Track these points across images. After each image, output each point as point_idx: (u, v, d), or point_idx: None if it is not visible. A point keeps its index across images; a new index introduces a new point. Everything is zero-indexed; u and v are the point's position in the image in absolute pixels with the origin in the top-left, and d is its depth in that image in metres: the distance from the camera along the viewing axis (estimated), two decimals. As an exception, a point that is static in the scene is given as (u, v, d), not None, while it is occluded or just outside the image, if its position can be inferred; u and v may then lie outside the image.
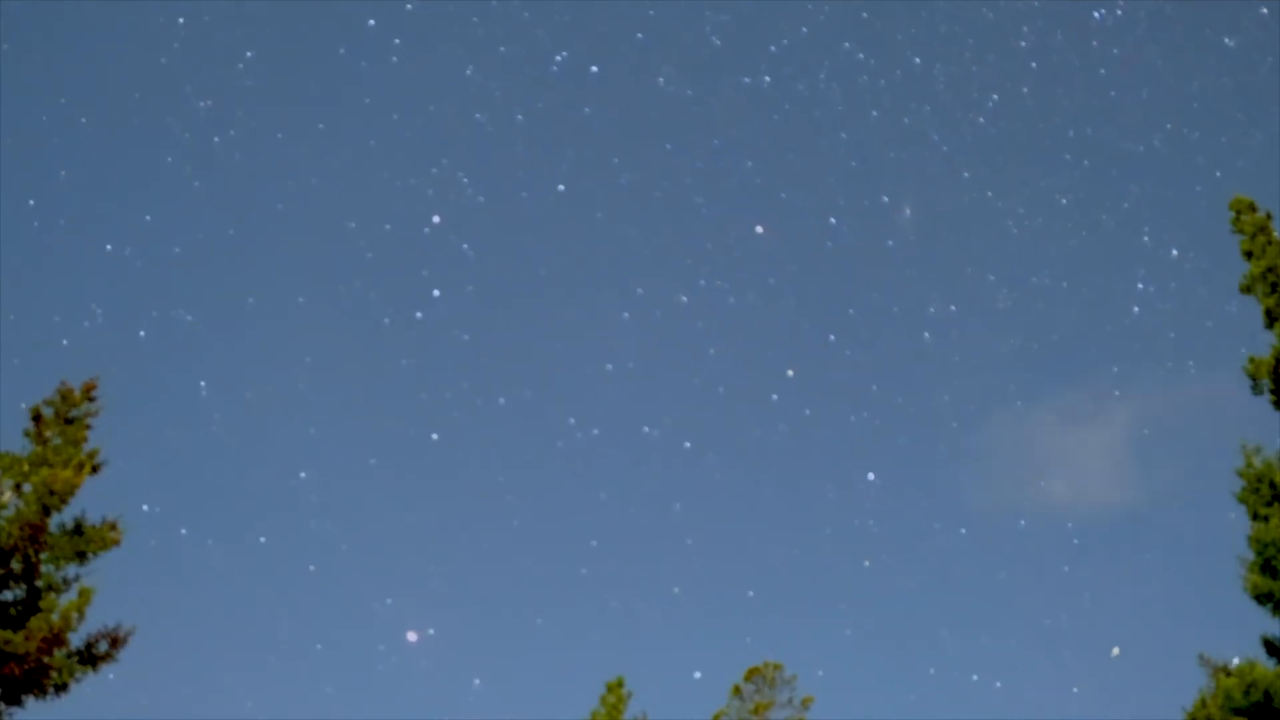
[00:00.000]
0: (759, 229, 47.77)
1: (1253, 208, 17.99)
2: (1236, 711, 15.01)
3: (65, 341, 41.42)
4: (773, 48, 47.44)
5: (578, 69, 47.13)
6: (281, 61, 47.43)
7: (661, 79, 47.57)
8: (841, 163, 49.05)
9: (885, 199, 48.23)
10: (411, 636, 39.76)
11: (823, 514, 48.53)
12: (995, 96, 47.61)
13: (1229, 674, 15.48)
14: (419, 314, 45.08)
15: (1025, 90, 47.84)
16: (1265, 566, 15.71)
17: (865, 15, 47.70)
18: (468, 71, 46.62)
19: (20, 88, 43.47)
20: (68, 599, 16.06)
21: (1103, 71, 47.45)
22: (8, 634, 15.35)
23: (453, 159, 47.44)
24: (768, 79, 47.74)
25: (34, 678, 15.59)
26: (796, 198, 49.31)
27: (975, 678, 41.08)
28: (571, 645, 45.09)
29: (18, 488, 16.34)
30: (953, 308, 48.10)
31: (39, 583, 16.20)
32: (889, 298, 49.63)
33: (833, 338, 49.23)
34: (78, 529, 16.53)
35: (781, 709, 24.63)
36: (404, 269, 47.72)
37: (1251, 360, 16.87)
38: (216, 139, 44.07)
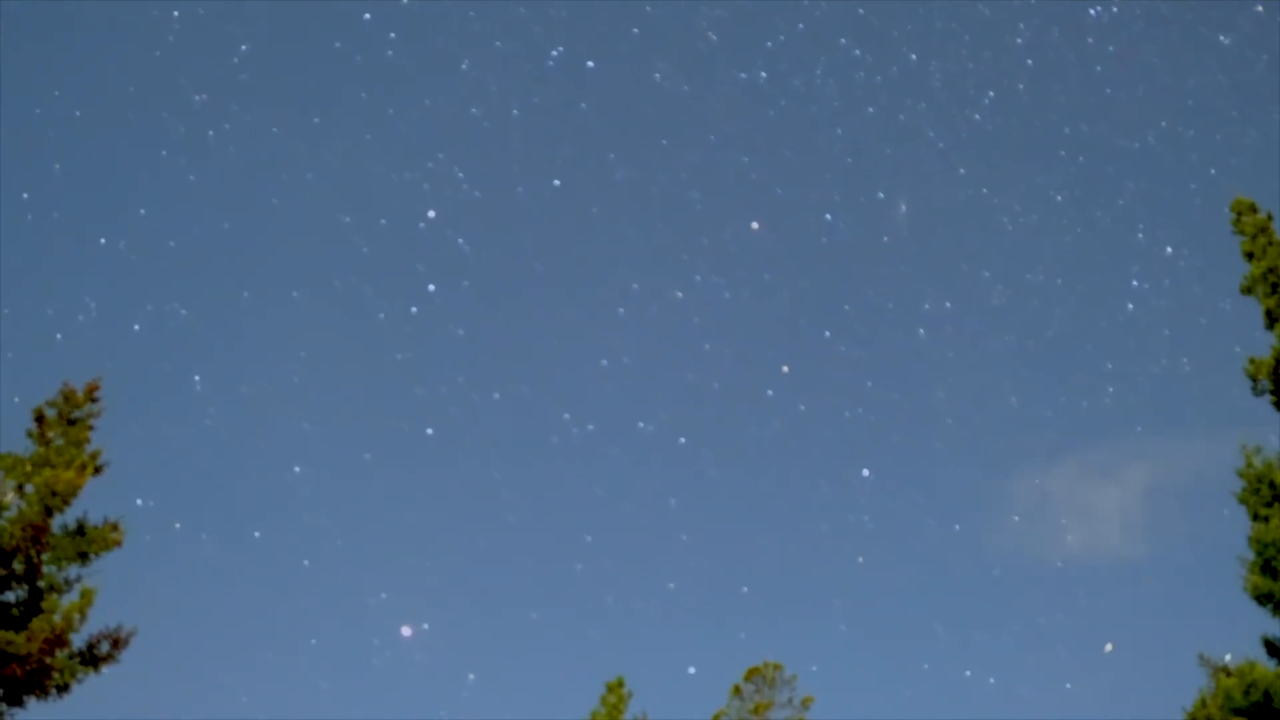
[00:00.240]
0: (754, 225, 47.82)
1: (1254, 209, 18.02)
2: (1236, 711, 15.04)
3: (59, 335, 41.43)
4: (769, 44, 47.54)
5: (574, 64, 47.05)
6: (277, 55, 47.21)
7: (658, 74, 47.57)
8: (837, 159, 49.14)
9: (881, 195, 48.25)
10: (406, 631, 39.88)
11: (817, 510, 48.68)
12: (991, 93, 47.67)
13: (1229, 674, 15.52)
14: (414, 309, 44.88)
15: (1021, 87, 47.94)
16: (1265, 567, 15.75)
17: (861, 11, 47.73)
18: (463, 66, 46.59)
19: (14, 81, 43.37)
20: (70, 600, 16.08)
21: (1098, 69, 47.58)
22: (9, 635, 15.35)
23: (448, 154, 47.22)
24: (764, 75, 47.77)
25: (36, 678, 15.59)
26: (792, 194, 49.34)
27: (968, 673, 41.19)
28: (566, 641, 45.16)
29: (20, 488, 16.33)
30: (948, 304, 48.19)
31: (41, 583, 16.20)
32: (884, 294, 49.72)
33: (828, 334, 49.18)
34: (80, 530, 16.53)
35: (781, 709, 24.67)
36: (399, 264, 47.61)
37: (1251, 361, 16.91)
38: (211, 133, 44.05)
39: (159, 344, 45.13)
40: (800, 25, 47.91)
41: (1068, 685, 41.66)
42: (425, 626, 40.66)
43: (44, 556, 16.10)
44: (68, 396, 17.24)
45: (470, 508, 48.02)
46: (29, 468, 16.42)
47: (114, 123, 45.59)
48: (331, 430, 46.29)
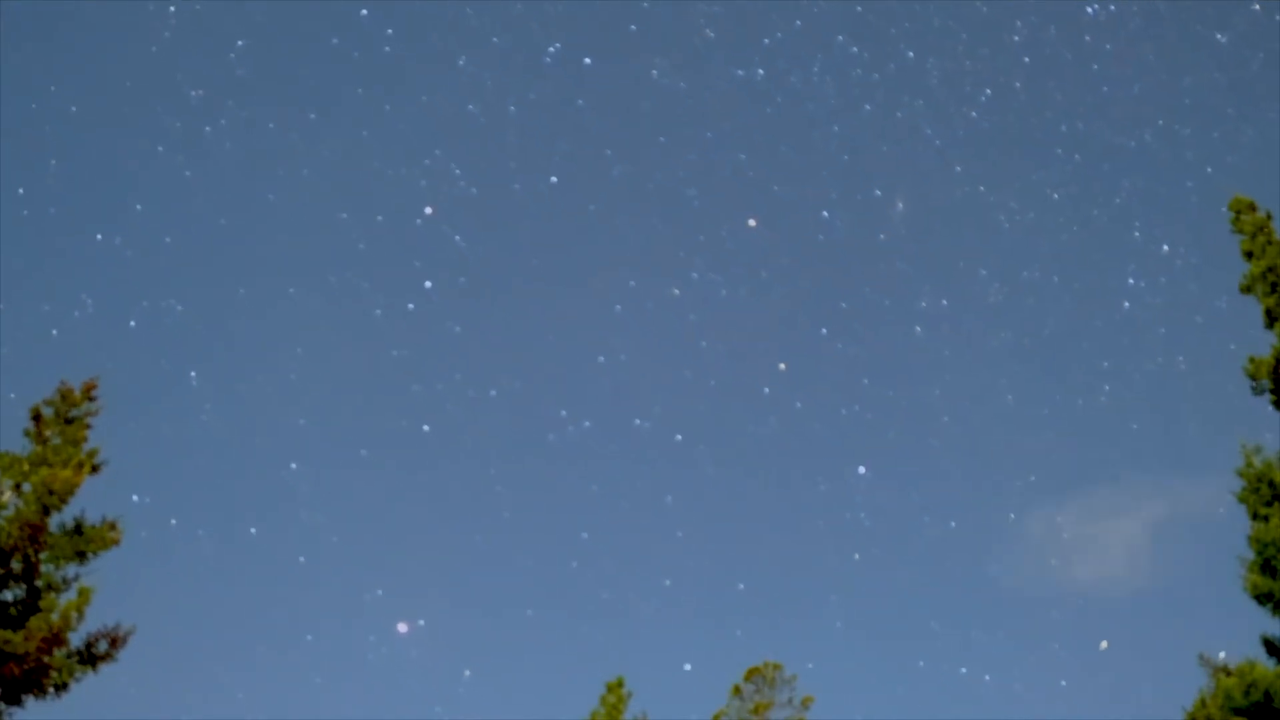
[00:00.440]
0: (751, 222, 47.86)
1: (1253, 207, 17.97)
2: (1236, 711, 15.00)
3: (55, 331, 41.48)
4: (766, 41, 47.49)
5: (571, 61, 47.11)
6: (273, 51, 47.18)
7: (655, 71, 47.57)
8: (834, 156, 49.16)
9: (878, 192, 48.26)
10: (402, 628, 39.96)
11: (813, 507, 48.73)
12: (988, 91, 47.68)
13: (1229, 674, 15.48)
14: (411, 305, 44.89)
15: (1018, 85, 47.94)
16: (1265, 566, 15.70)
17: (859, 9, 47.73)
18: (460, 62, 46.59)
19: (11, 77, 43.40)
20: (67, 599, 16.07)
21: (1095, 67, 47.56)
22: (7, 634, 15.34)
23: (445, 150, 47.25)
24: (761, 72, 47.79)
25: (34, 677, 15.59)
26: (789, 191, 49.41)
27: (964, 670, 41.29)
28: (562, 638, 45.22)
29: (18, 487, 16.34)
30: (944, 302, 48.19)
31: (39, 582, 16.20)
32: (881, 291, 49.80)
33: (824, 331, 49.18)
34: (77, 529, 16.53)
35: (781, 709, 24.64)
36: (396, 260, 47.68)
37: (1251, 360, 16.86)
38: (208, 129, 44.03)
39: (155, 340, 45.20)
40: (797, 22, 47.95)
41: (1063, 682, 41.78)
42: (421, 623, 40.85)
43: (42, 555, 16.10)
44: (65, 395, 17.25)
45: (467, 504, 48.16)
46: (26, 466, 16.42)
47: (110, 118, 45.69)
48: (328, 427, 46.37)
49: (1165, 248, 46.04)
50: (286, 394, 45.26)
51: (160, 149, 44.38)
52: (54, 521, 16.35)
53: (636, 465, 48.72)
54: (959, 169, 48.19)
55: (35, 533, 15.88)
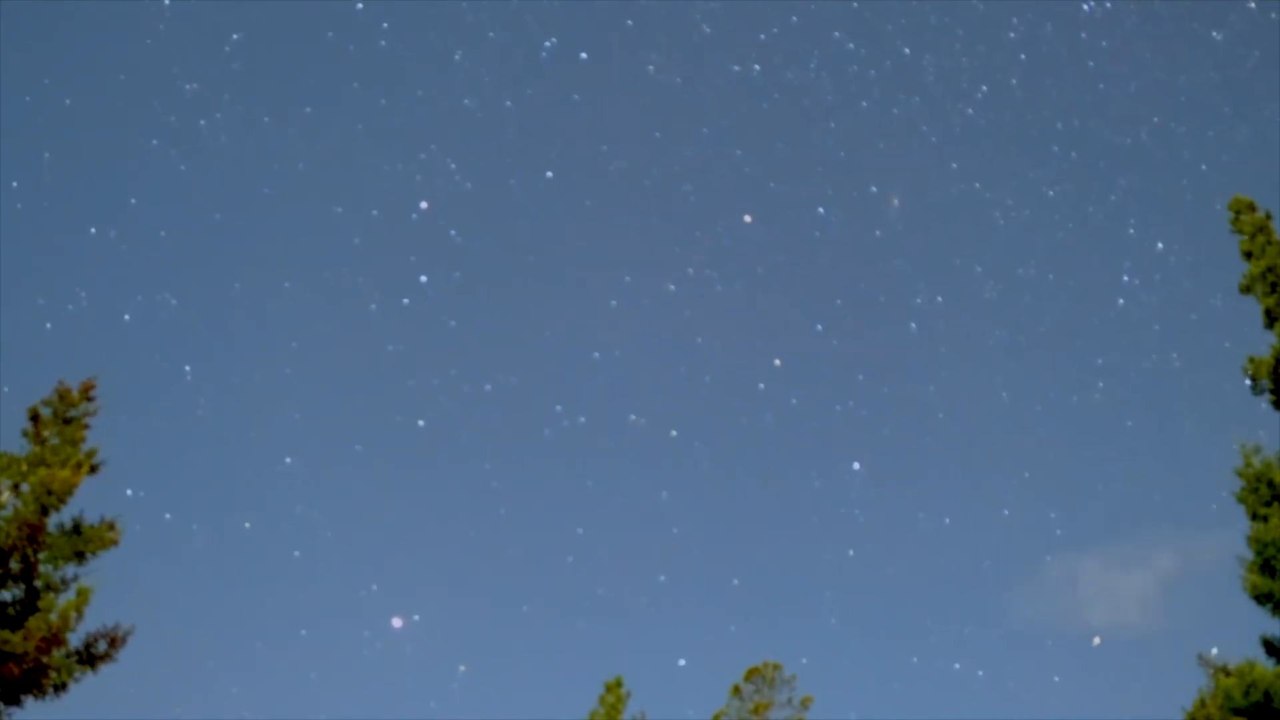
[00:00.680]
0: (747, 218, 47.96)
1: (1252, 207, 17.94)
2: (1236, 711, 14.98)
3: (49, 325, 41.46)
4: (762, 36, 47.52)
5: (567, 56, 47.13)
6: (269, 45, 47.17)
7: (651, 67, 47.60)
8: (830, 153, 49.23)
9: (874, 189, 48.26)
10: (397, 622, 39.91)
11: (808, 503, 48.82)
12: (984, 88, 47.75)
13: (1229, 674, 15.46)
14: (406, 300, 45.01)
15: (1014, 82, 47.98)
16: (1265, 566, 15.68)
17: (855, 5, 47.79)
18: (456, 57, 46.61)
19: (5, 70, 43.23)
20: (66, 599, 16.06)
21: (1091, 64, 47.59)
22: (6, 634, 15.34)
23: (441, 145, 47.23)
24: (757, 68, 47.83)
25: (33, 678, 15.58)
26: (785, 187, 49.46)
27: (957, 666, 41.33)
28: (557, 633, 45.24)
29: (16, 488, 16.33)
30: (939, 298, 48.27)
31: (37, 583, 16.19)
32: (876, 288, 49.97)
33: (820, 327, 49.24)
34: (76, 529, 16.52)
35: (781, 709, 24.63)
36: (391, 255, 47.77)
37: (1251, 360, 16.84)
38: (203, 122, 44.01)
39: (150, 334, 45.21)
40: (794, 19, 47.98)
41: (1055, 679, 41.83)
42: (416, 618, 40.83)
43: (40, 555, 16.09)
44: (63, 395, 17.24)
45: (461, 499, 48.20)
46: (24, 467, 16.41)
47: (105, 112, 45.64)
48: (322, 421, 46.45)
49: (1160, 245, 46.16)
50: (281, 388, 45.36)
51: (155, 143, 44.43)
52: (52, 521, 16.35)
53: (632, 461, 48.97)
54: (955, 166, 48.30)
55: (34, 533, 15.87)
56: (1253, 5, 46.67)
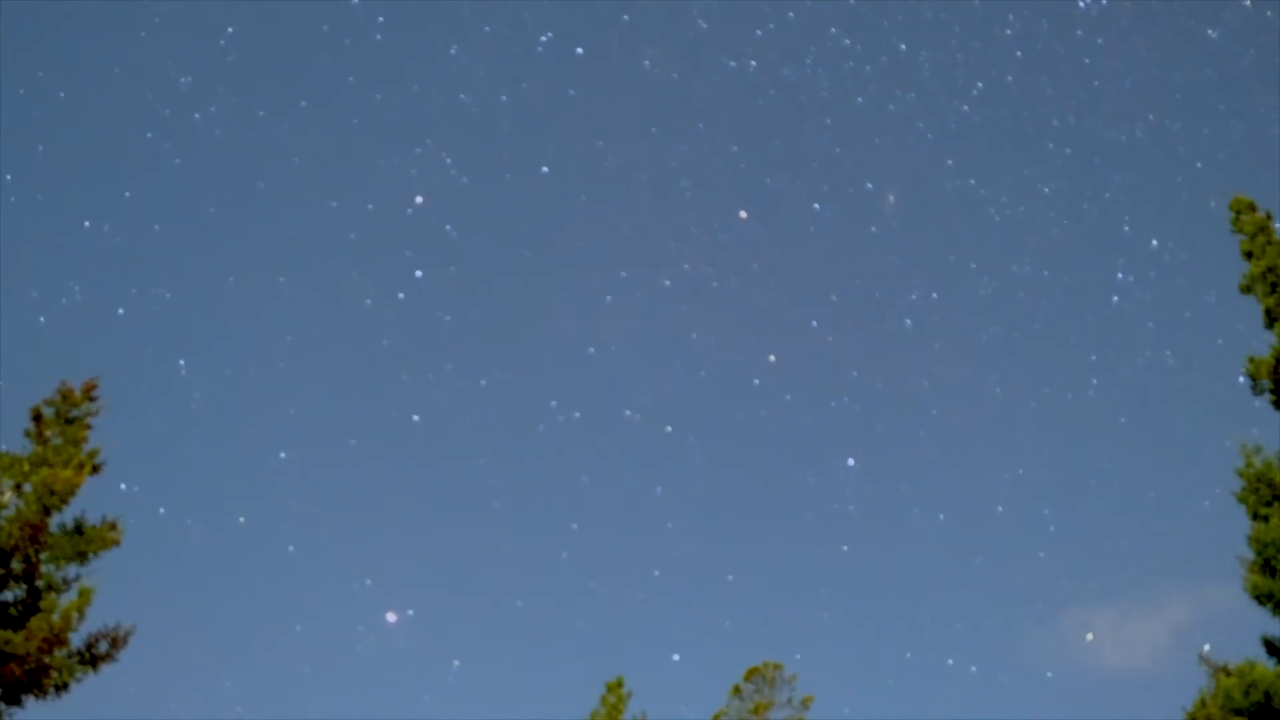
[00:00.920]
0: (743, 214, 47.95)
1: (1253, 207, 17.96)
2: (1236, 711, 15.00)
3: (42, 318, 41.44)
4: (759, 32, 47.53)
5: (563, 50, 47.04)
6: (263, 38, 46.85)
7: (647, 62, 47.59)
8: (826, 149, 49.21)
9: (869, 185, 48.33)
10: (391, 617, 40.00)
11: (803, 499, 48.90)
12: (980, 84, 47.81)
13: (1229, 674, 15.48)
14: (401, 295, 44.96)
15: (1010, 79, 47.99)
16: (1265, 566, 15.70)
17: (851, 1, 47.95)
18: (452, 51, 46.56)
19: (-2, 62, 43.29)
20: (68, 599, 16.06)
21: (1087, 61, 47.63)
22: (8, 634, 15.34)
23: (436, 139, 46.97)
24: (753, 63, 47.86)
25: (34, 678, 15.58)
26: (781, 183, 49.47)
27: (950, 662, 41.43)
28: (551, 627, 45.27)
29: (18, 487, 16.33)
30: (934, 295, 48.43)
31: (39, 583, 16.20)
32: (871, 284, 50.00)
33: (815, 323, 49.32)
34: (78, 529, 16.53)
35: (781, 709, 24.65)
36: (386, 249, 47.49)
37: (1251, 360, 16.86)
38: (197, 115, 43.90)
39: (144, 328, 45.21)
40: (790, 14, 47.94)
41: (1048, 674, 41.94)
42: (410, 613, 40.87)
43: (42, 556, 16.10)
44: (65, 395, 17.24)
45: (456, 494, 48.24)
46: (27, 467, 16.42)
47: (99, 105, 45.49)
48: (317, 416, 46.34)
49: (1154, 243, 46.23)
50: (276, 383, 45.33)
51: (149, 136, 44.26)
52: (54, 522, 16.35)
53: (626, 456, 49.00)
54: (950, 162, 48.40)
55: (36, 533, 15.88)
56: (1248, 3, 46.79)
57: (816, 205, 48.23)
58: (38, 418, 17.02)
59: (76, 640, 16.13)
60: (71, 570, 16.46)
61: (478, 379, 46.57)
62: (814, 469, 48.93)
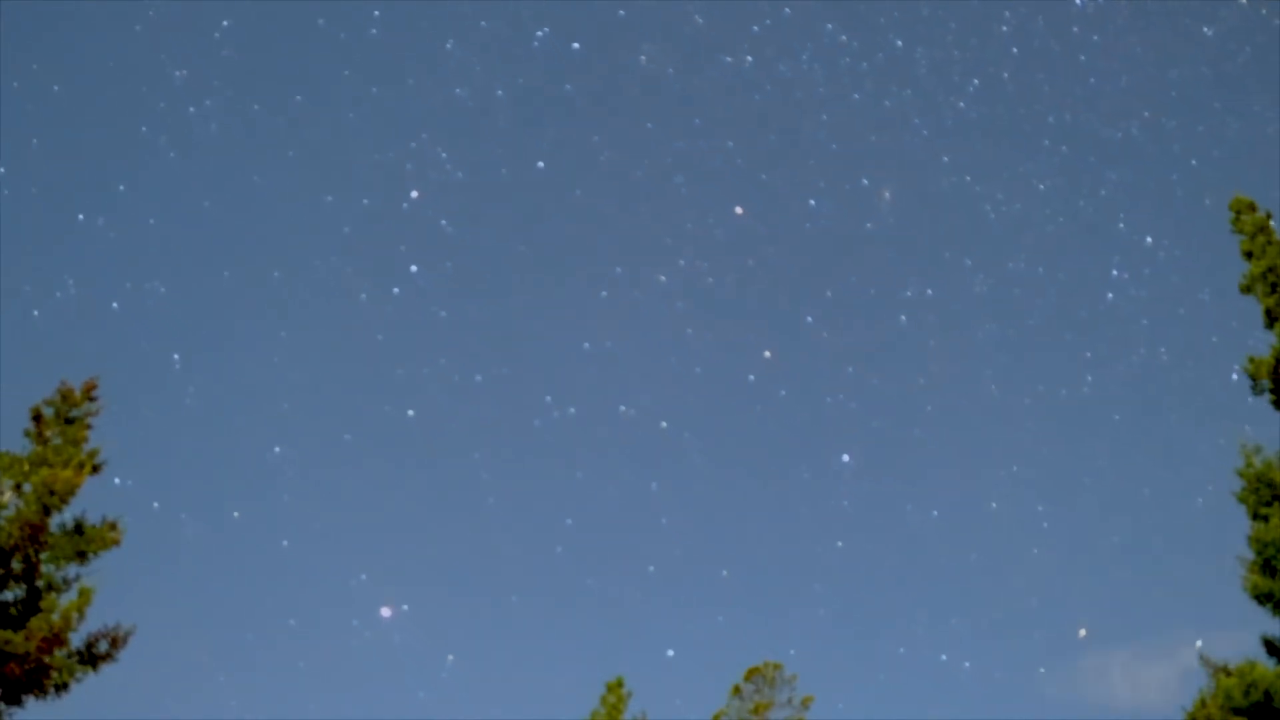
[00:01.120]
0: (738, 210, 47.93)
1: (1253, 207, 17.97)
2: (1236, 711, 15.00)
3: (36, 312, 41.34)
4: (755, 28, 47.53)
5: (559, 45, 46.88)
6: (259, 31, 46.57)
7: (643, 57, 47.57)
8: (822, 145, 49.20)
9: (865, 182, 48.40)
10: (385, 612, 39.91)
11: (797, 495, 48.91)
12: (976, 81, 47.81)
13: (1229, 674, 15.48)
14: (396, 290, 44.82)
15: (1006, 75, 48.02)
16: (1265, 566, 15.71)
17: (848, -3, 48.00)
18: (448, 45, 46.45)
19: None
20: (68, 599, 16.07)
21: (1083, 58, 47.69)
22: (8, 634, 15.34)
23: (432, 134, 46.77)
24: (749, 59, 47.81)
25: (34, 677, 15.59)
26: (776, 179, 49.50)
27: (944, 657, 41.51)
28: (546, 623, 45.29)
29: (18, 487, 16.33)
30: (929, 292, 48.41)
31: (39, 582, 16.20)
32: (867, 281, 50.07)
33: (810, 319, 49.25)
34: (78, 529, 16.53)
35: (781, 709, 24.66)
36: (381, 244, 47.30)
37: (1251, 360, 16.87)
38: (192, 109, 43.70)
39: (138, 322, 45.10)
40: (786, 10, 47.97)
41: (1041, 670, 42.02)
42: (405, 608, 40.84)
43: (42, 555, 16.10)
44: (65, 395, 17.24)
45: (451, 490, 48.18)
46: (27, 467, 16.42)
47: (93, 98, 45.33)
48: (312, 411, 46.18)
49: (1149, 240, 46.30)
50: (270, 378, 45.23)
51: (144, 129, 44.11)
52: (54, 521, 16.35)
53: (621, 452, 49.00)
54: (946, 159, 48.39)
55: (36, 533, 15.88)
56: (1244, 1, 46.87)
57: (812, 201, 48.31)
58: (38, 418, 17.02)
59: (76, 640, 16.15)
60: (71, 570, 16.47)
61: (473, 374, 46.60)
62: (809, 465, 48.99)
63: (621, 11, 47.64)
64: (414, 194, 44.81)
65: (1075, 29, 47.43)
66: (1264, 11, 46.31)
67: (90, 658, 16.28)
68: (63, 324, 42.05)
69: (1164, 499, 46.64)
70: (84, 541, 16.49)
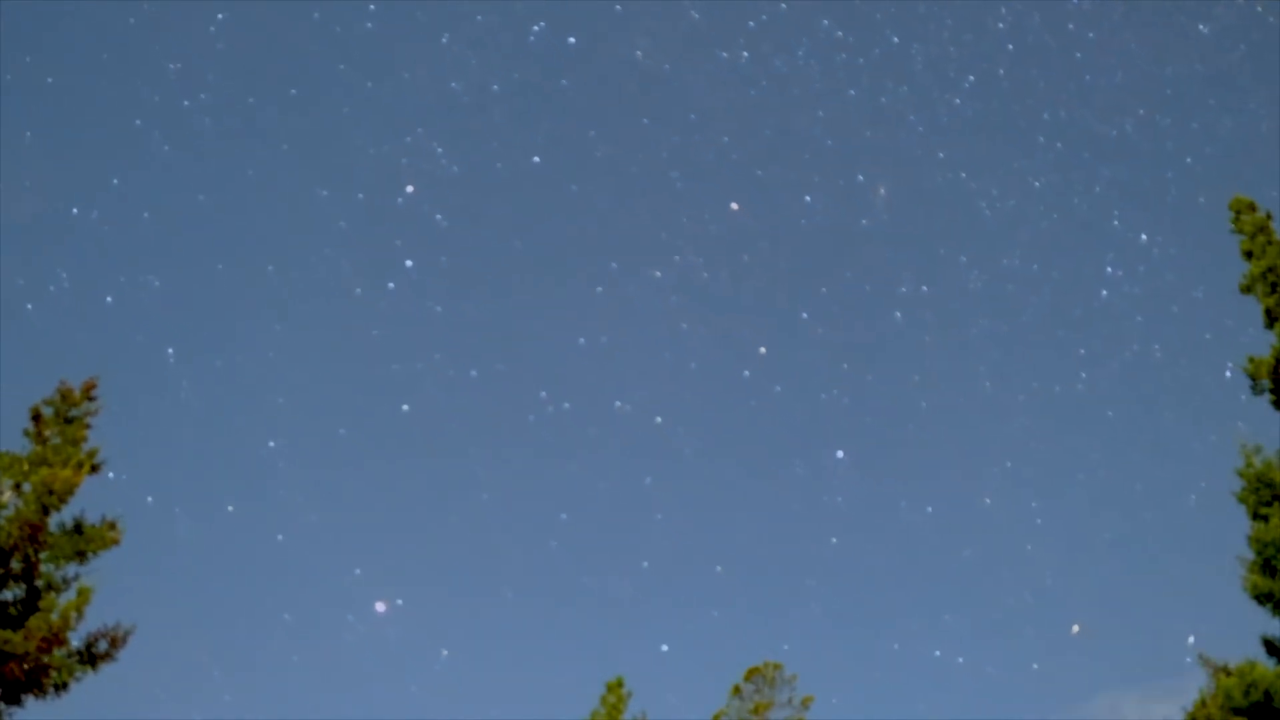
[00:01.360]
0: (734, 205, 47.96)
1: (1253, 207, 17.95)
2: (1236, 711, 15.00)
3: (30, 306, 41.32)
4: (751, 23, 47.55)
5: (555, 40, 46.91)
6: (253, 25, 46.51)
7: (639, 52, 47.59)
8: (818, 141, 49.26)
9: (860, 178, 48.47)
10: (380, 607, 40.02)
11: (791, 490, 49.03)
12: (971, 77, 47.87)
13: (1229, 674, 15.48)
14: (391, 284, 44.90)
15: (1001, 72, 48.10)
16: (1265, 566, 15.70)
17: (845, -7, 47.98)
18: (444, 40, 46.44)
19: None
20: (67, 598, 16.06)
21: (1078, 55, 47.74)
22: (7, 634, 15.34)
23: (427, 128, 46.85)
24: (745, 55, 47.82)
25: (34, 677, 15.58)
26: (772, 175, 49.54)
27: (938, 653, 41.56)
28: (540, 617, 45.32)
29: (17, 487, 16.33)
30: (924, 288, 48.44)
31: (38, 582, 16.20)
32: (862, 277, 50.19)
33: (805, 315, 49.38)
34: (77, 528, 16.53)
35: (781, 709, 24.65)
36: (376, 239, 47.42)
37: (1251, 360, 16.86)
38: (186, 102, 43.65)
39: (132, 316, 45.00)
40: (782, 6, 47.95)
41: (1035, 666, 42.06)
42: (399, 602, 40.88)
43: (41, 555, 16.10)
44: (65, 395, 17.24)
45: (445, 484, 48.27)
46: (26, 466, 16.42)
47: (87, 91, 45.30)
48: (306, 405, 46.18)
49: (1144, 237, 46.38)
50: (265, 372, 45.24)
51: (138, 123, 43.98)
52: (54, 521, 16.35)
53: (616, 447, 48.98)
54: (941, 155, 48.39)
55: (35, 532, 15.88)
56: (1239, -1, 46.93)
57: (807, 197, 48.36)
58: (37, 417, 17.02)
59: (76, 640, 16.16)
60: (71, 570, 16.47)
61: (468, 369, 46.60)
62: (803, 461, 49.08)
63: (617, 6, 47.69)
64: (409, 188, 44.85)
65: (1071, 26, 47.52)
66: (1259, 9, 46.40)
67: (90, 657, 16.28)
68: (56, 318, 42.11)
69: (1157, 495, 46.75)
70: (83, 541, 16.48)
